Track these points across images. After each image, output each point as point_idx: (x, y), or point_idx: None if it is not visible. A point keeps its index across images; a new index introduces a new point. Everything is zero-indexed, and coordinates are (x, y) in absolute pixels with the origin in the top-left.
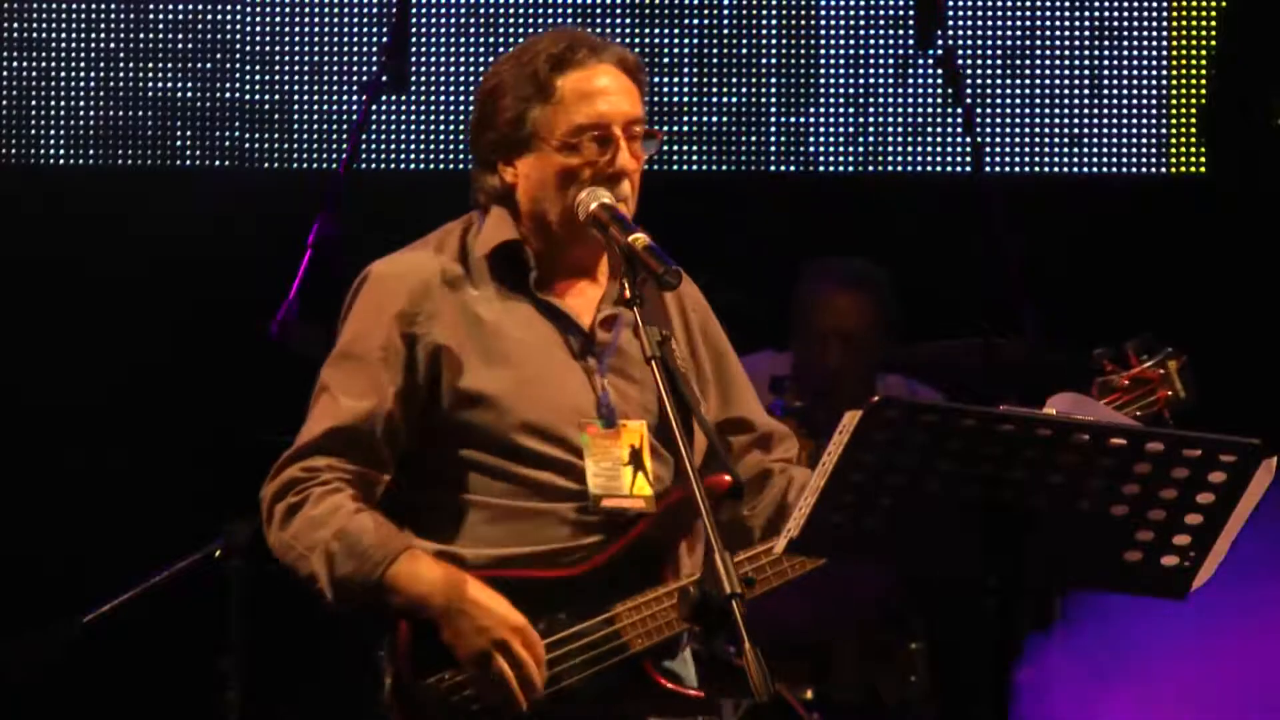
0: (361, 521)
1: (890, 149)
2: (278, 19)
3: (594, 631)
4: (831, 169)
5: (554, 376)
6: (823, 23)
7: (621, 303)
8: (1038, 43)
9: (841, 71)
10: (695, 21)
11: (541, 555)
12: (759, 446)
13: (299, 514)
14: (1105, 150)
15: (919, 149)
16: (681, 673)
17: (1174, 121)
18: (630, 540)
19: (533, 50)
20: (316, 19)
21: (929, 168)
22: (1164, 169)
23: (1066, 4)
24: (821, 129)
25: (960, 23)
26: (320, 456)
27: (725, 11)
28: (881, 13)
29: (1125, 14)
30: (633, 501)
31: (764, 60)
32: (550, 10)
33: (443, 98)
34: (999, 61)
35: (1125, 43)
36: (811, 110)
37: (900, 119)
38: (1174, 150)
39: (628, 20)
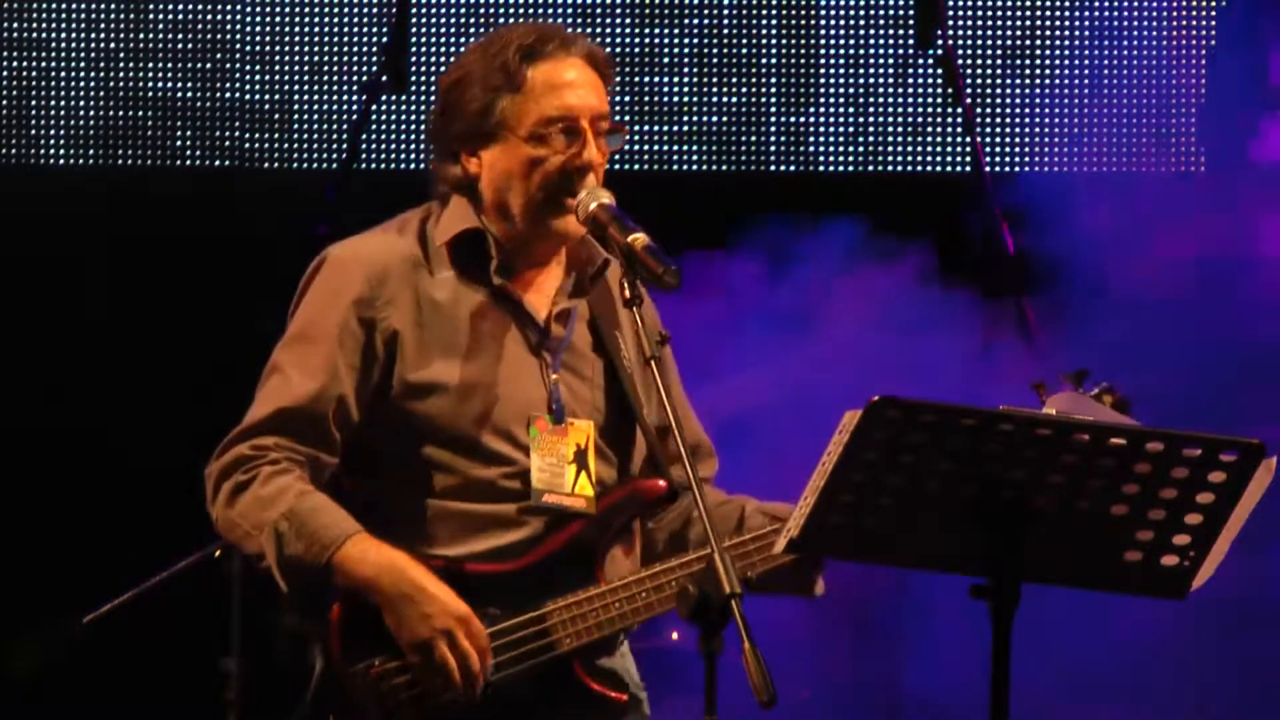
0: (311, 502)
1: (890, 149)
2: (278, 19)
3: (524, 628)
4: (831, 169)
5: (507, 370)
6: (823, 23)
7: (626, 302)
8: (1038, 43)
9: (841, 71)
10: (695, 21)
11: (480, 554)
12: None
13: (247, 492)
14: (1105, 150)
15: (919, 149)
16: (618, 671)
17: (1174, 121)
18: (566, 539)
19: (501, 41)
20: (316, 19)
21: (929, 168)
22: (1164, 168)
23: (1066, 4)
24: (821, 129)
25: (960, 23)
26: (269, 435)
27: (725, 11)
28: (881, 13)
29: (1125, 14)
30: (574, 500)
31: (764, 60)
32: (550, 10)
33: None
34: (999, 61)
35: (1125, 42)
36: (811, 110)
37: (900, 119)
38: (1174, 149)
39: (628, 20)
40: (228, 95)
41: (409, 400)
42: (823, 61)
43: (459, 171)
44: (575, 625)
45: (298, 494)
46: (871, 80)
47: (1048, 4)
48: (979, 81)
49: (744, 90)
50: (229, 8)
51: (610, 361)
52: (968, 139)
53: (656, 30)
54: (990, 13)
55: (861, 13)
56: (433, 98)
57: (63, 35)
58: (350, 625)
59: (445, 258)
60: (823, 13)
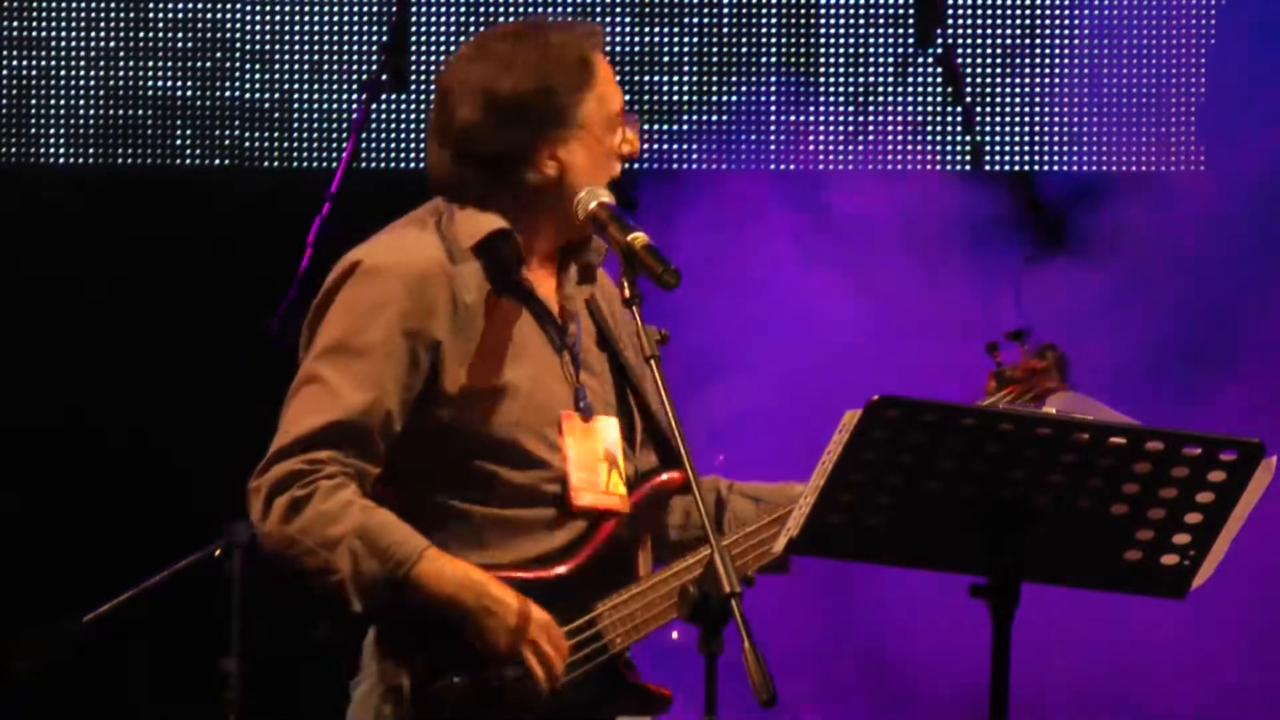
0: (380, 518)
1: (890, 148)
2: (278, 18)
3: (581, 632)
4: (831, 168)
5: (538, 371)
6: (823, 23)
7: (625, 301)
8: (1038, 42)
9: (841, 71)
10: (695, 21)
11: (528, 560)
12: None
13: (307, 508)
14: (1104, 149)
15: (919, 148)
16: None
17: (1173, 120)
18: (606, 539)
19: (559, 38)
20: (316, 18)
21: (929, 167)
22: (1164, 168)
23: (1066, 4)
24: (822, 128)
25: (960, 22)
26: (322, 449)
27: (725, 11)
28: (881, 12)
29: (1125, 13)
30: (609, 499)
31: (764, 60)
32: (550, 9)
33: None
34: (999, 61)
35: (1125, 42)
36: (811, 109)
37: (900, 118)
38: (1173, 149)
39: (628, 20)
40: (228, 94)
41: (449, 409)
42: (823, 61)
43: (535, 176)
44: (625, 624)
45: (362, 509)
46: (871, 79)
47: (1048, 3)
48: (979, 80)
49: (744, 90)
50: (229, 6)
51: (615, 354)
52: (968, 138)
53: (656, 29)
54: (990, 12)
55: (861, 12)
56: (434, 97)
57: (62, 34)
58: (426, 643)
59: (470, 259)
60: (823, 13)
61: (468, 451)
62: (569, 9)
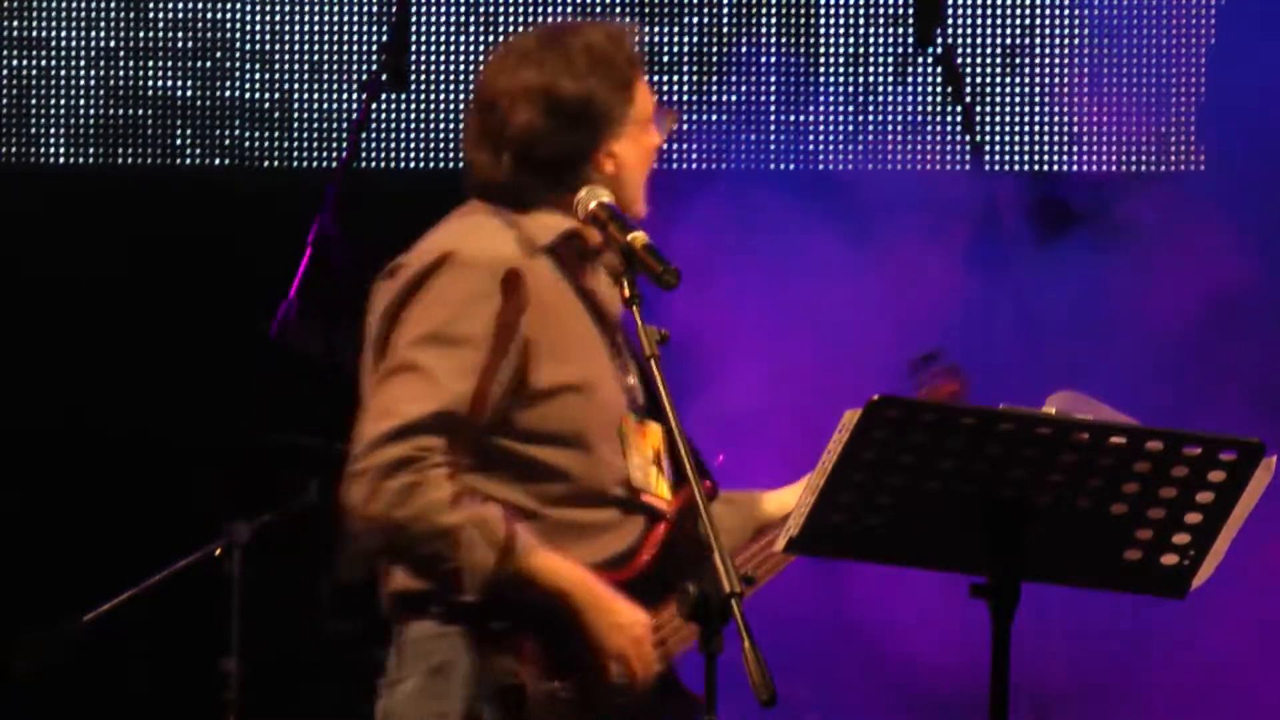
0: (492, 511)
1: (890, 148)
2: (278, 17)
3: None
4: (831, 168)
5: (602, 371)
6: (823, 23)
7: (626, 301)
8: (1038, 42)
9: (841, 71)
10: (695, 21)
11: (600, 563)
12: None
13: (418, 495)
14: (1104, 149)
15: (919, 148)
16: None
17: (1173, 120)
18: (660, 543)
19: (599, 38)
20: (316, 18)
21: (929, 166)
22: (1164, 168)
23: (1067, 4)
24: (821, 128)
25: (960, 22)
26: (429, 437)
27: (725, 11)
28: (881, 12)
29: (1125, 13)
30: (659, 500)
31: (764, 60)
32: (550, 9)
33: (443, 97)
34: (999, 61)
35: (1125, 42)
36: (811, 109)
37: (900, 118)
38: (1173, 148)
39: (627, 19)
40: (228, 94)
41: (528, 406)
42: (823, 61)
43: (596, 175)
44: (682, 630)
45: (473, 499)
46: (871, 79)
47: (1048, 3)
48: (978, 80)
49: (744, 90)
50: (229, 6)
51: (637, 357)
52: (967, 138)
53: (656, 29)
54: (990, 12)
55: (861, 12)
56: (434, 97)
57: (62, 33)
58: (538, 640)
59: (541, 257)
60: (823, 13)
61: (543, 449)
62: (571, 9)
